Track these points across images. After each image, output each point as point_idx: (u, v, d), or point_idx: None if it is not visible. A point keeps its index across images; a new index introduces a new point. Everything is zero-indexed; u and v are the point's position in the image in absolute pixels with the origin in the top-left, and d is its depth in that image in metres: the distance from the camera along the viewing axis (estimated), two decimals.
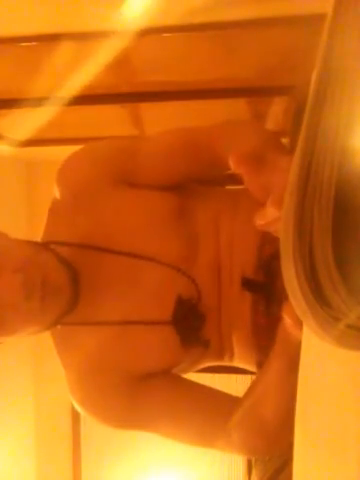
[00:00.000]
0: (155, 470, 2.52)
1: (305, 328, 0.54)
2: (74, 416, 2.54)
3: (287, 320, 0.62)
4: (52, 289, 0.83)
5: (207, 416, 0.89)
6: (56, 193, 0.96)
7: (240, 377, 1.05)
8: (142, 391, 0.89)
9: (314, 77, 0.43)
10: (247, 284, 0.92)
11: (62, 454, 2.58)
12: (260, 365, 0.94)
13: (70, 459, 2.59)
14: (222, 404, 0.90)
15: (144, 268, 0.91)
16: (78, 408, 0.92)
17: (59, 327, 0.92)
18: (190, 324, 0.90)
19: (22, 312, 0.82)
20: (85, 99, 1.44)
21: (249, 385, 0.91)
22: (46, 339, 0.96)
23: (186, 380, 0.95)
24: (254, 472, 1.08)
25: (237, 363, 1.00)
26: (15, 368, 2.36)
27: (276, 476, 1.01)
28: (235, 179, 0.77)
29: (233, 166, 0.59)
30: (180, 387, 0.92)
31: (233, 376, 1.11)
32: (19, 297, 0.80)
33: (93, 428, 2.55)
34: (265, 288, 0.91)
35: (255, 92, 1.41)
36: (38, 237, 0.96)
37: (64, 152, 1.00)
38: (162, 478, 2.52)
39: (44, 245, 0.93)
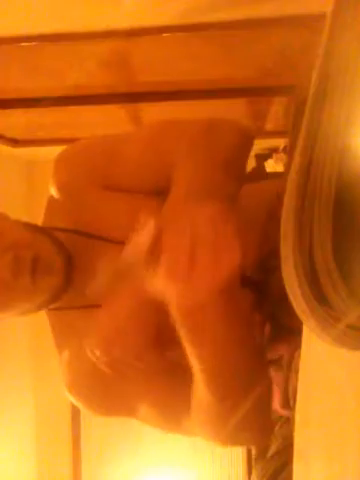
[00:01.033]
0: (155, 470, 2.52)
1: (305, 328, 0.54)
2: (74, 416, 2.54)
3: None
4: (44, 268, 0.85)
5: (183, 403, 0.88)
6: (51, 190, 0.99)
7: None
8: (133, 376, 0.89)
9: (314, 77, 0.43)
10: (247, 283, 0.92)
11: (62, 454, 2.58)
12: None
13: (70, 459, 2.59)
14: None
15: None
16: (68, 393, 0.92)
17: (55, 311, 0.93)
18: None
19: (11, 289, 0.84)
20: (85, 99, 1.44)
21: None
22: (46, 339, 0.96)
23: (180, 367, 0.95)
24: (254, 472, 1.08)
25: None
26: (15, 368, 2.36)
27: (276, 476, 1.01)
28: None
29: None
30: (173, 373, 0.92)
31: None
32: (8, 274, 0.82)
33: (93, 428, 2.56)
34: (264, 286, 0.92)
35: (255, 92, 1.41)
36: None
37: None
38: (162, 478, 2.52)
39: (41, 228, 0.95)
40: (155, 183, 0.94)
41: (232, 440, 0.87)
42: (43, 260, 0.85)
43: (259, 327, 0.93)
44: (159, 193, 0.94)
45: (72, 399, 0.92)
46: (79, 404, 0.92)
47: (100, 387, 0.90)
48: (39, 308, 0.92)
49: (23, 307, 0.90)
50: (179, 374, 0.91)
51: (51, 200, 1.00)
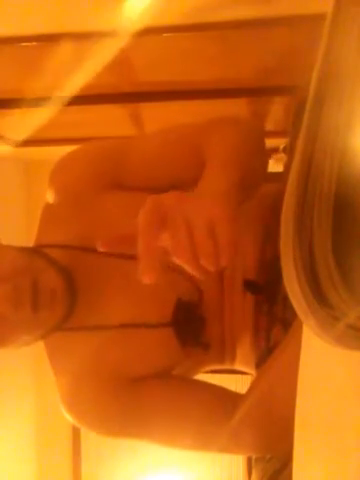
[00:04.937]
0: (155, 470, 2.52)
1: (305, 328, 0.54)
2: None
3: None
4: (46, 295, 0.80)
5: (209, 416, 0.85)
6: (49, 197, 0.95)
7: (240, 377, 1.05)
8: (138, 395, 0.87)
9: (314, 77, 0.43)
10: (249, 286, 0.91)
11: (62, 455, 2.58)
12: (258, 366, 0.93)
13: (70, 459, 2.59)
14: (225, 402, 0.86)
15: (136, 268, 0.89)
16: (70, 418, 0.88)
17: (55, 333, 0.90)
18: (190, 326, 0.89)
19: (13, 322, 0.79)
20: (85, 99, 1.44)
21: (252, 381, 0.90)
22: (46, 355, 0.94)
23: (185, 379, 0.93)
24: (254, 472, 1.08)
25: (238, 366, 0.99)
26: (16, 369, 2.35)
27: (276, 477, 1.01)
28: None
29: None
30: (178, 388, 0.89)
31: (233, 376, 1.11)
32: (8, 307, 0.78)
33: None
34: (267, 290, 0.91)
35: (255, 92, 1.41)
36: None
37: (64, 152, 1.00)
38: (162, 478, 2.52)
39: (36, 250, 0.90)
40: (169, 180, 0.92)
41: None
42: (44, 288, 0.80)
43: (266, 331, 0.92)
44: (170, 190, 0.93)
45: (72, 420, 0.89)
46: (81, 425, 0.90)
47: (106, 409, 0.88)
48: (44, 337, 0.88)
49: (26, 339, 0.85)
50: (184, 394, 0.90)
51: (46, 214, 0.94)
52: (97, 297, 0.89)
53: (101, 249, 0.63)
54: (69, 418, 0.89)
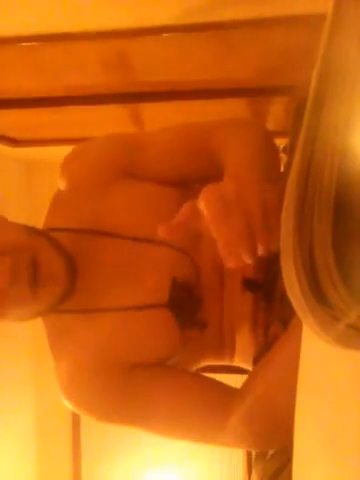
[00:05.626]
0: (154, 470, 2.52)
1: (305, 327, 0.54)
2: (74, 416, 2.54)
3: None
4: (44, 273, 0.82)
5: (207, 407, 0.85)
6: (60, 183, 0.97)
7: (240, 377, 1.05)
8: (137, 382, 0.87)
9: (314, 77, 0.43)
10: (248, 284, 0.92)
11: (62, 454, 2.58)
12: (255, 362, 0.94)
13: (70, 459, 2.59)
14: (223, 394, 0.87)
15: (142, 251, 0.90)
16: (68, 403, 0.89)
17: (51, 315, 0.91)
18: (187, 306, 0.89)
19: (9, 296, 0.80)
20: (85, 99, 1.44)
21: (249, 374, 0.90)
22: (46, 339, 0.95)
23: (184, 371, 0.93)
24: (254, 472, 1.08)
25: (237, 362, 0.99)
26: (15, 368, 2.36)
27: (276, 476, 1.01)
28: None
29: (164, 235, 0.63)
30: (177, 378, 0.89)
31: (233, 376, 1.11)
32: (5, 281, 0.79)
33: (93, 428, 2.56)
34: (265, 287, 0.92)
35: (255, 92, 1.41)
36: None
37: (64, 152, 1.00)
38: (162, 478, 2.52)
39: (41, 231, 0.92)
40: (179, 174, 0.93)
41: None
42: (43, 265, 0.81)
43: (264, 329, 0.93)
44: (176, 185, 0.94)
45: (71, 406, 0.89)
46: (80, 411, 0.90)
47: (102, 393, 0.88)
48: (40, 314, 0.90)
49: (22, 314, 0.86)
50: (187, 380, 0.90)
51: (56, 200, 0.97)
52: (97, 280, 0.90)
53: (162, 236, 0.63)
54: (67, 404, 0.89)
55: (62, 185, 0.97)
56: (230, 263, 0.61)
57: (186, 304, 0.89)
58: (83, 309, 0.90)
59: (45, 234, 0.90)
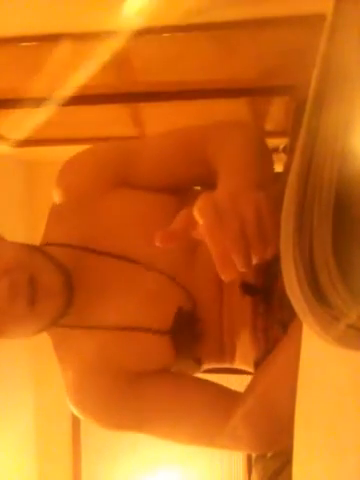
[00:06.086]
0: (155, 470, 2.52)
1: (305, 328, 0.54)
2: (74, 417, 2.53)
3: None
4: (43, 291, 0.82)
5: (209, 411, 0.86)
6: (55, 197, 0.96)
7: (240, 377, 1.05)
8: (139, 389, 0.88)
9: (314, 77, 0.43)
10: (246, 289, 0.92)
11: (62, 454, 2.58)
12: (257, 365, 0.94)
13: (70, 459, 2.59)
14: (225, 398, 0.87)
15: (140, 274, 0.90)
16: (75, 410, 0.91)
17: (58, 329, 0.92)
18: (187, 337, 0.89)
19: (8, 315, 0.81)
20: (85, 99, 1.44)
21: (251, 379, 0.90)
22: (46, 340, 0.95)
23: (185, 376, 0.94)
24: (254, 472, 1.08)
25: (237, 365, 0.99)
26: (15, 369, 2.36)
27: (276, 476, 1.01)
28: None
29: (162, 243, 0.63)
30: (178, 383, 0.90)
31: (233, 376, 1.11)
32: (4, 301, 0.79)
33: (93, 428, 2.55)
34: (264, 292, 0.91)
35: (255, 92, 1.41)
36: (38, 237, 0.96)
37: (64, 152, 1.00)
38: (162, 478, 2.52)
39: (38, 248, 0.92)
40: (173, 181, 0.93)
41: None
42: (41, 281, 0.82)
43: (264, 333, 0.93)
44: (172, 192, 0.94)
45: (80, 415, 0.91)
46: (89, 419, 0.91)
47: (110, 402, 0.89)
48: (41, 330, 0.90)
49: (23, 331, 0.87)
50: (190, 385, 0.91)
51: (53, 214, 0.97)
52: (96, 297, 0.90)
53: (158, 245, 0.63)
54: (74, 410, 0.91)
55: (58, 199, 0.96)
56: (225, 276, 0.60)
57: (188, 335, 0.89)
58: (81, 325, 0.91)
59: (44, 251, 0.89)
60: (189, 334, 0.90)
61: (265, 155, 0.90)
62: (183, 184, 0.95)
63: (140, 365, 0.90)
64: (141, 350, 0.89)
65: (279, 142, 1.75)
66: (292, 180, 0.42)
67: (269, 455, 1.03)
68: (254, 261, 0.62)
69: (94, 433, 2.57)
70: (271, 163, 0.93)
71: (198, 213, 0.61)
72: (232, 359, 0.97)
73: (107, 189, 0.92)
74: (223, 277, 0.60)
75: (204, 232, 0.61)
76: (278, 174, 1.10)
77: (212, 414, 0.86)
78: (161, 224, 0.84)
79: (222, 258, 0.60)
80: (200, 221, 0.61)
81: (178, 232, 0.64)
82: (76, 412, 0.91)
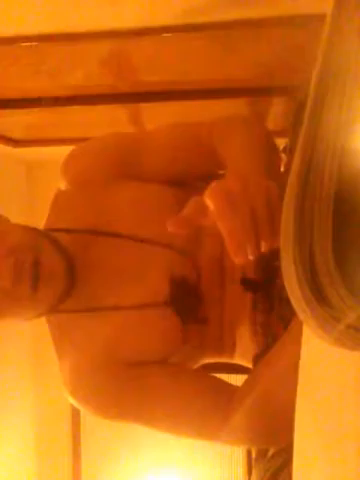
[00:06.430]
0: (155, 470, 2.52)
1: (305, 328, 0.54)
2: (74, 416, 2.54)
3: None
4: (46, 275, 0.83)
5: (208, 402, 0.86)
6: (60, 183, 0.97)
7: (240, 377, 1.05)
8: (139, 379, 0.88)
9: (314, 77, 0.43)
10: (246, 283, 0.92)
11: (62, 454, 2.58)
12: (256, 361, 0.94)
13: (70, 459, 2.59)
14: (224, 391, 0.87)
15: (143, 251, 0.90)
16: (71, 399, 0.90)
17: (55, 315, 0.92)
18: (187, 302, 0.90)
19: (12, 296, 0.82)
20: (85, 99, 1.44)
21: (252, 371, 0.90)
22: (46, 338, 0.95)
23: (185, 368, 0.94)
24: (254, 472, 1.08)
25: (237, 359, 0.99)
26: (15, 368, 2.36)
27: (276, 476, 1.01)
28: None
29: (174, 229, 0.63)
30: (178, 375, 0.90)
31: (233, 376, 1.11)
32: (8, 281, 0.80)
33: (93, 428, 2.56)
34: (264, 287, 0.92)
35: (255, 92, 1.41)
36: None
37: (64, 152, 1.00)
38: (162, 478, 2.52)
39: (42, 232, 0.93)
40: (178, 173, 0.93)
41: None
42: (45, 266, 0.83)
43: (264, 328, 0.93)
44: (176, 183, 0.94)
45: (76, 404, 0.90)
46: (85, 408, 0.91)
47: (107, 391, 0.89)
48: (41, 314, 0.91)
49: (24, 314, 0.88)
50: (188, 378, 0.91)
51: (56, 200, 0.98)
52: (97, 280, 0.91)
53: (170, 231, 0.64)
54: (72, 401, 0.90)
55: (62, 185, 0.97)
56: (238, 258, 0.61)
57: (187, 300, 0.90)
58: (84, 308, 0.91)
59: (46, 234, 0.90)
60: (189, 299, 0.90)
61: (272, 149, 0.91)
62: (189, 176, 0.96)
63: (145, 346, 0.89)
64: (146, 327, 0.89)
65: (279, 142, 1.74)
66: (292, 180, 0.42)
67: (269, 455, 1.03)
68: (262, 248, 0.62)
69: (94, 433, 2.57)
70: (278, 158, 0.94)
71: (210, 197, 0.62)
72: (231, 353, 0.98)
73: (112, 178, 0.93)
74: (236, 260, 0.60)
75: (216, 216, 0.61)
76: (278, 174, 1.10)
77: (211, 407, 0.86)
78: (165, 210, 0.84)
79: (235, 240, 0.60)
80: (212, 206, 0.61)
81: (190, 218, 0.65)
82: (74, 402, 0.90)
